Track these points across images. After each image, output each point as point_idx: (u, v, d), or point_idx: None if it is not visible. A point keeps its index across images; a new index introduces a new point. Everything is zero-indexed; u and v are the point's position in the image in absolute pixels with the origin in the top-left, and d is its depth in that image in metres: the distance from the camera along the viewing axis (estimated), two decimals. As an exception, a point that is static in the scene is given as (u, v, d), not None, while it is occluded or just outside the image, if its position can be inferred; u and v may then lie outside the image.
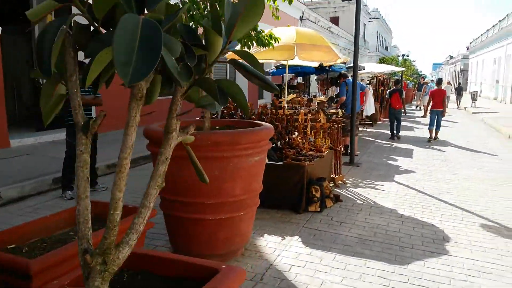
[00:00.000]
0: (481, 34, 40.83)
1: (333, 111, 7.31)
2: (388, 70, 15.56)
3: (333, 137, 6.25)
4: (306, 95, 11.73)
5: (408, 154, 9.32)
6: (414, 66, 43.43)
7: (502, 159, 8.87)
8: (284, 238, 4.14)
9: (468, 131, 14.02)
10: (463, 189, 6.30)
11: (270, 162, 4.87)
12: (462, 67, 57.31)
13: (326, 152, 5.57)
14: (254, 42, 3.55)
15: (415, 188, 6.28)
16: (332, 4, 42.56)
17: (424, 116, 19.39)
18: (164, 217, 3.61)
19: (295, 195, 4.87)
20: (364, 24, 48.08)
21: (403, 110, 12.26)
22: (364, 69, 12.19)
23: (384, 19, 62.99)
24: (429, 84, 22.91)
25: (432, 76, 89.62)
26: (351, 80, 8.22)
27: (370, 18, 51.92)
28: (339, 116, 7.43)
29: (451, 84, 31.26)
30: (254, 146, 3.30)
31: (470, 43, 50.52)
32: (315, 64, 7.13)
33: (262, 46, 3.63)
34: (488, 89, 34.58)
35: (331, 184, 6.18)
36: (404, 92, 13.02)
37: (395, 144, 10.71)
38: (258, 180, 3.55)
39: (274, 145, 5.13)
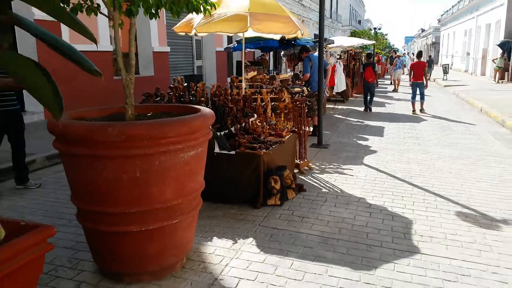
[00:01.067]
0: (452, 6, 40.73)
1: (297, 89, 6.72)
2: (358, 44, 14.98)
3: (296, 119, 5.67)
4: (274, 72, 11.08)
5: (379, 132, 8.88)
6: (386, 39, 43.13)
7: (475, 135, 8.54)
8: (236, 242, 3.57)
9: (440, 105, 13.75)
10: (436, 170, 5.88)
11: (222, 152, 4.26)
12: (433, 40, 57.57)
13: (287, 137, 4.99)
14: (184, 7, 2.86)
15: (385, 171, 5.81)
16: (303, -23, 41.36)
17: (395, 90, 19.14)
18: (83, 230, 2.96)
19: (251, 187, 4.29)
20: (336, -3, 47.26)
21: (375, 83, 12.55)
22: (333, 42, 11.58)
23: (356, -8, 62.17)
24: (400, 57, 22.52)
25: (404, 50, 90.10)
26: (316, 55, 7.61)
27: (342, -9, 51.03)
28: (304, 94, 6.83)
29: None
30: (186, 139, 2.67)
31: (442, 16, 50.54)
32: (277, 37, 6.45)
33: (195, 11, 2.94)
34: (459, 62, 34.71)
35: (296, 171, 5.64)
36: (376, 65, 13.39)
37: (366, 122, 10.26)
38: (197, 179, 2.93)
39: (227, 131, 4.50)
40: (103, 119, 3.00)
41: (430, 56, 32.39)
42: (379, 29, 28.04)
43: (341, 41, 14.12)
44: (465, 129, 9.24)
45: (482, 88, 18.42)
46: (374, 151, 7.04)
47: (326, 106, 12.73)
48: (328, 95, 11.54)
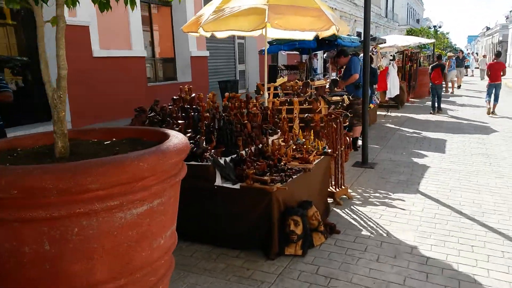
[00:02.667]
0: (524, 0, 36.89)
1: (337, 98, 5.59)
2: (415, 43, 13.29)
3: (331, 136, 4.56)
4: (315, 76, 9.94)
5: (440, 147, 7.45)
6: (447, 38, 40.05)
7: None
8: (230, 319, 2.57)
9: (513, 112, 11.84)
10: (517, 204, 4.51)
11: (225, 186, 3.27)
12: (500, 38, 52.90)
13: (316, 162, 3.90)
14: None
15: (448, 204, 4.52)
16: (357, -25, 39.57)
17: (452, 92, 17.58)
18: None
19: (262, 230, 3.27)
20: (393, -4, 44.91)
21: (444, 85, 12.47)
22: (385, 42, 10.20)
23: (414, -10, 58.86)
24: (453, 58, 20.51)
25: (467, 50, 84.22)
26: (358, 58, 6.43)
27: (399, -11, 48.40)
28: (345, 103, 5.68)
29: (486, 57, 28.27)
30: (126, 191, 1.72)
31: (510, 11, 46.26)
32: (308, 36, 5.33)
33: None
34: (532, 61, 31.20)
35: (330, 201, 4.53)
36: (446, 67, 12.63)
37: (424, 133, 8.81)
38: (155, 245, 1.96)
39: (237, 155, 3.51)
40: (29, 153, 2.12)
41: (499, 51, 29.34)
42: (440, 27, 25.60)
43: (395, 40, 12.58)
44: (549, 144, 7.57)
45: None
46: (434, 174, 5.71)
47: (377, 113, 11.36)
48: (379, 101, 10.19)
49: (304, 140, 4.35)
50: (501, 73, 11.05)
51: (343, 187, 4.67)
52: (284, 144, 4.23)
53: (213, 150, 3.36)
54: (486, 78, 11.98)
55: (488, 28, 71.18)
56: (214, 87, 13.58)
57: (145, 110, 3.65)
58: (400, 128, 9.51)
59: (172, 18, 13.21)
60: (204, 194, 3.27)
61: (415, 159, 6.54)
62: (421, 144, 7.69)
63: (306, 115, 5.47)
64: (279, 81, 5.63)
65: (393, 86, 11.28)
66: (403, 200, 4.64)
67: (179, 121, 3.56)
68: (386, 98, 11.84)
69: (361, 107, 6.52)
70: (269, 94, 5.57)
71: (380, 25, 35.88)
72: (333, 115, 4.52)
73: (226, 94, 4.14)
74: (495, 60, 11.53)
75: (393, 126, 9.82)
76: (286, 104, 5.65)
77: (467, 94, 17.24)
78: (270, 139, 4.22)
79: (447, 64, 19.48)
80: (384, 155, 6.83)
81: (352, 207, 4.47)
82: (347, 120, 5.57)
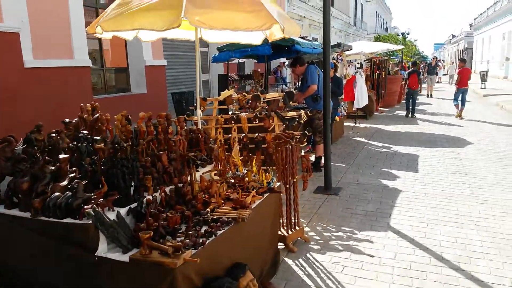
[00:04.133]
0: (487, 8, 37.67)
1: (292, 114, 4.69)
2: (382, 49, 12.64)
3: (279, 165, 3.63)
4: (279, 88, 9.05)
5: (412, 164, 6.67)
6: (415, 45, 40.37)
7: (547, 168, 6.24)
8: None
9: (485, 121, 11.31)
10: (506, 240, 3.70)
11: (109, 257, 2.24)
12: (466, 46, 54.10)
13: (257, 202, 2.96)
14: None
15: (425, 246, 3.65)
16: (325, -16, 39.41)
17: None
18: None
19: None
20: (362, 4, 45.13)
21: (419, 90, 13.03)
22: (351, 49, 9.45)
23: (382, -1, 59.63)
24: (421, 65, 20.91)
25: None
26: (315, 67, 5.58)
27: (367, -2, 48.81)
28: (303, 119, 4.78)
29: (453, 64, 28.36)
30: None
31: (475, 19, 47.31)
32: (255, 39, 4.37)
33: None
34: (497, 68, 31.62)
35: (281, 246, 3.59)
36: (421, 73, 14.10)
37: (394, 147, 8.05)
38: None
39: (140, 204, 2.51)
40: None
41: (464, 59, 29.50)
42: (408, 34, 25.43)
43: (362, 46, 11.86)
44: (528, 158, 6.93)
45: (531, 98, 15.78)
46: (407, 201, 4.88)
47: (345, 125, 10.59)
48: (346, 113, 9.41)
49: (245, 171, 3.40)
50: (469, 78, 11.82)
51: (297, 228, 3.74)
52: (218, 178, 3.27)
53: (101, 199, 2.36)
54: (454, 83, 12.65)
55: (453, 36, 73.01)
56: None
57: (12, 142, 2.62)
58: (369, 141, 8.73)
59: (124, 24, 12.04)
60: (82, 269, 2.25)
61: (385, 181, 5.71)
62: (391, 161, 6.89)
63: (257, 134, 4.55)
64: (224, 94, 4.68)
65: (361, 95, 10.55)
66: (372, 242, 3.75)
67: (62, 156, 2.54)
68: (354, 109, 11.10)
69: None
70: (202, 110, 4.62)
71: (349, 34, 35.72)
72: (282, 139, 3.59)
73: (141, 114, 3.15)
74: (462, 67, 12.26)
75: (361, 139, 9.04)
76: (233, 122, 4.70)
77: (438, 100, 16.83)
78: (200, 172, 3.25)
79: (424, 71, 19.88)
80: (351, 177, 5.97)
81: (308, 254, 3.54)
82: (305, 141, 4.67)
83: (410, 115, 12.30)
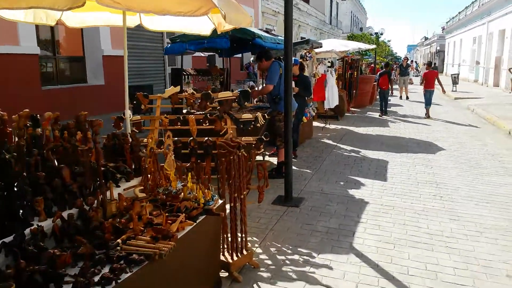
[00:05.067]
0: (459, 13, 38.22)
1: (247, 116, 4.10)
2: (354, 48, 12.21)
3: (223, 179, 3.05)
4: (247, 84, 8.45)
5: (381, 171, 6.24)
6: (389, 46, 40.59)
7: (520, 178, 5.92)
8: None
9: (456, 125, 11.10)
10: (482, 268, 3.25)
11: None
12: (438, 48, 55.05)
13: (188, 229, 2.37)
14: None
15: (391, 275, 3.16)
16: (302, -19, 39.10)
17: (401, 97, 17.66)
18: None
19: None
20: (337, 3, 45.05)
21: (390, 91, 13.52)
22: (321, 46, 8.93)
23: (358, -1, 59.88)
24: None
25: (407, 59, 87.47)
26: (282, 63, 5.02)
27: (343, -4, 48.78)
28: (259, 122, 4.21)
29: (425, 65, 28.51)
30: None
31: (447, 23, 48.11)
32: (204, 29, 3.79)
33: None
34: (467, 71, 32.10)
35: (224, 274, 3.01)
36: (392, 74, 14.43)
37: (363, 151, 7.62)
38: None
39: (19, 235, 1.88)
40: None
41: (434, 63, 29.79)
42: (381, 34, 25.28)
43: (333, 44, 11.38)
44: (500, 166, 6.61)
45: (500, 102, 15.81)
46: (373, 215, 4.40)
47: (314, 125, 10.13)
48: (315, 113, 8.93)
49: (180, 186, 2.81)
50: (435, 81, 12.43)
51: (245, 252, 3.17)
52: (144, 196, 2.66)
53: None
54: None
55: (426, 38, 74.33)
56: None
57: None
58: (338, 144, 8.28)
59: (82, 10, 11.13)
60: None
61: (352, 191, 5.23)
62: (359, 168, 6.44)
63: (206, 139, 3.96)
64: (168, 91, 4.06)
65: (332, 95, 10.10)
66: (331, 268, 3.23)
67: None
68: (325, 109, 10.65)
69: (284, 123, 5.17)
70: (150, 109, 3.99)
71: (324, 32, 35.48)
72: (225, 148, 3.00)
73: (47, 114, 2.51)
74: (428, 69, 12.98)
75: (330, 142, 8.57)
76: (179, 124, 4.09)
77: (410, 102, 16.66)
78: (121, 188, 2.63)
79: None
80: (315, 185, 5.47)
81: (255, 285, 2.98)
82: (262, 147, 4.12)
83: (382, 115, 12.83)
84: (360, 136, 9.27)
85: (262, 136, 4.09)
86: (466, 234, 3.93)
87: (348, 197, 5.00)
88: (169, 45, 5.49)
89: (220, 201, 2.86)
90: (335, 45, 11.18)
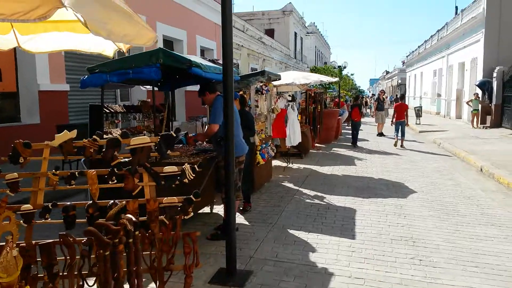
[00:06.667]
0: (419, 46, 39.44)
1: (172, 168, 3.07)
2: (315, 81, 11.48)
3: (101, 280, 1.99)
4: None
5: (348, 224, 5.29)
6: (352, 80, 41.11)
7: (502, 226, 5.11)
8: None
9: (425, 160, 10.47)
10: None
11: None
12: (399, 81, 56.62)
13: None
14: None
15: None
16: (266, 16, 39.53)
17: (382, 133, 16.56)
18: None
19: None
20: (301, 38, 45.75)
21: (360, 123, 13.82)
22: (279, 79, 8.14)
23: (321, 34, 61.36)
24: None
25: (369, 92, 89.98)
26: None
27: (307, 33, 49.73)
28: (188, 177, 3.18)
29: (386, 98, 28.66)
30: None
31: (407, 57, 49.71)
32: (107, 49, 2.85)
33: None
34: (429, 103, 32.63)
35: None
36: (363, 107, 15.60)
37: (328, 197, 6.70)
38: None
39: None
40: None
41: (396, 95, 30.00)
42: (345, 67, 25.22)
43: (293, 77, 10.62)
44: (479, 212, 5.84)
45: (465, 135, 15.56)
46: (339, 295, 3.40)
47: (274, 165, 9.22)
48: (273, 154, 8.02)
49: None
50: (405, 112, 13.12)
51: None
52: None
53: None
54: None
55: (387, 72, 76.86)
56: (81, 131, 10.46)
57: None
58: (300, 189, 7.33)
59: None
60: None
61: (314, 256, 4.23)
62: (323, 220, 5.48)
63: (111, 202, 2.92)
64: (59, 137, 3.00)
65: (293, 132, 9.27)
66: None
67: None
68: (287, 146, 9.79)
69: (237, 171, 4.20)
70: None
71: (289, 66, 35.51)
72: (98, 237, 1.95)
73: None
74: (399, 102, 13.57)
75: (291, 185, 7.62)
76: (73, 182, 3.01)
77: (377, 137, 16.16)
78: None
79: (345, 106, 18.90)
80: (269, 248, 4.43)
81: None
82: (190, 210, 3.08)
83: (354, 145, 13.36)
84: (325, 178, 8.39)
85: (191, 196, 3.07)
86: (460, 323, 2.99)
87: (309, 266, 3.98)
88: (85, 76, 4.45)
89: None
90: (296, 77, 10.47)
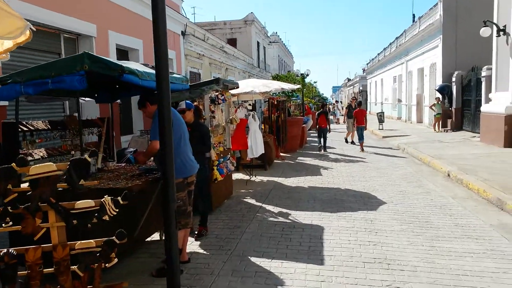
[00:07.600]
0: (378, 54, 40.18)
1: (87, 202, 2.41)
2: (276, 89, 10.94)
3: None
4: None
5: (316, 247, 4.72)
6: (315, 87, 41.27)
7: (481, 241, 4.71)
8: None
9: (392, 168, 10.16)
10: None
11: None
12: (361, 88, 57.63)
13: None
14: None
15: None
16: (228, 26, 39.13)
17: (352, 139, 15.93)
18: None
19: None
20: (264, 47, 45.65)
21: (328, 129, 14.26)
22: (237, 87, 7.52)
23: (284, 43, 61.70)
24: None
25: (332, 99, 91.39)
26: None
27: (270, 42, 49.73)
28: (109, 212, 2.51)
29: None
30: None
31: (367, 64, 50.67)
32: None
33: None
34: (390, 109, 33.11)
35: None
36: (329, 113, 16.06)
37: (293, 213, 6.14)
38: None
39: None
40: None
41: (359, 101, 30.12)
42: (307, 75, 25.06)
43: (252, 85, 10.00)
44: (453, 223, 5.45)
45: (428, 139, 15.56)
46: None
47: (236, 179, 8.60)
48: (233, 168, 7.40)
49: None
50: (364, 118, 14.06)
51: None
52: None
53: None
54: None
55: (349, 79, 78.29)
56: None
57: None
58: (263, 205, 6.73)
59: None
60: None
61: (276, 289, 3.63)
62: (288, 242, 4.89)
63: (3, 252, 2.20)
64: None
65: (255, 143, 8.70)
66: None
67: None
68: (248, 158, 9.20)
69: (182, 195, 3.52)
70: None
71: (253, 74, 35.13)
72: None
73: None
74: (358, 108, 14.39)
75: (253, 201, 7.01)
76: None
77: (341, 143, 15.86)
78: None
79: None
80: (225, 284, 3.78)
81: None
82: (113, 255, 2.40)
83: (322, 150, 13.75)
84: (290, 191, 7.84)
85: (114, 238, 2.39)
86: None
87: (270, 304, 3.37)
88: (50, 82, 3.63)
89: None
90: (255, 85, 9.92)
